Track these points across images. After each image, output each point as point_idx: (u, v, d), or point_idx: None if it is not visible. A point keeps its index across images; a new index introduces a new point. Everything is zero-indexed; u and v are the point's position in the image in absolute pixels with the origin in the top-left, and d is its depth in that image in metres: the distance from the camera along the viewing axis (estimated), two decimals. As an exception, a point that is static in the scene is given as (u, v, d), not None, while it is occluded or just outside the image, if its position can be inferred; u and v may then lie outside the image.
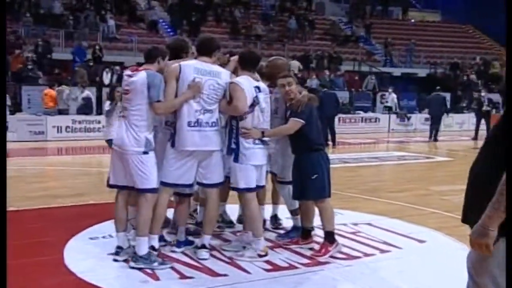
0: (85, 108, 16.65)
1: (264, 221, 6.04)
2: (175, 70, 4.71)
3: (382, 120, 21.22)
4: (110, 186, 4.95)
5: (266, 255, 4.97)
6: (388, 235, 5.90)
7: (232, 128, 4.88)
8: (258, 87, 4.95)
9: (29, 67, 18.16)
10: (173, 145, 4.77)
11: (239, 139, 4.83)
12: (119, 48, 23.21)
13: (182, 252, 5.16)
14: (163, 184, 4.78)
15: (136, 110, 4.59)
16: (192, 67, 4.74)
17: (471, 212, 2.56)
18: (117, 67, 19.32)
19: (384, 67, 27.44)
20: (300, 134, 5.02)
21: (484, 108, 18.04)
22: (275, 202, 6.01)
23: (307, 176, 5.02)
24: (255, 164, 4.89)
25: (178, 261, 4.94)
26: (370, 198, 7.89)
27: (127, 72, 4.77)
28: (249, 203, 4.95)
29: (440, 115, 17.93)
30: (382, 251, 5.36)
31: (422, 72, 28.09)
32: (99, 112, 17.14)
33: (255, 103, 4.86)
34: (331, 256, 5.10)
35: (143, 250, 4.73)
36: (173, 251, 5.17)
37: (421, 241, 5.70)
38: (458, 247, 5.54)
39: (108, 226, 5.93)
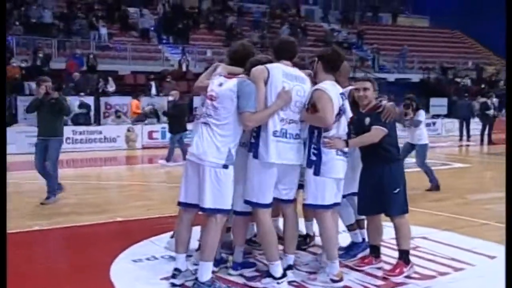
0: (83, 116, 16.12)
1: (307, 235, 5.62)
2: (263, 73, 4.26)
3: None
4: (179, 204, 4.43)
5: (340, 280, 4.49)
6: (451, 250, 5.50)
7: (313, 137, 4.39)
8: (343, 94, 4.49)
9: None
10: (256, 156, 4.28)
11: (320, 150, 4.35)
12: (112, 56, 22.65)
13: (241, 275, 4.67)
14: (259, 206, 4.33)
15: (222, 118, 4.19)
16: (281, 71, 4.31)
17: None
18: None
19: (378, 72, 27.20)
20: (382, 144, 4.60)
21: (490, 113, 17.87)
22: None
23: (390, 190, 4.59)
24: (336, 177, 4.40)
25: (240, 285, 4.49)
26: (410, 209, 7.43)
27: (220, 78, 4.34)
28: (324, 221, 4.47)
29: (468, 119, 18.78)
30: (456, 269, 4.95)
31: (415, 78, 27.92)
32: (99, 122, 16.69)
33: (341, 112, 4.39)
34: (405, 276, 4.67)
35: (206, 276, 4.26)
36: (229, 274, 4.69)
37: (491, 257, 5.30)
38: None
39: (148, 247, 5.57)
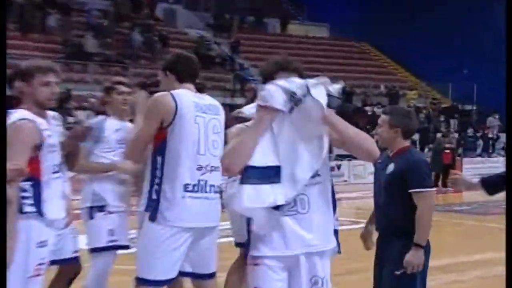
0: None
1: None
2: (168, 105, 3.85)
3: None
4: None
5: None
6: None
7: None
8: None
9: None
10: (154, 218, 3.89)
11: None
12: None
13: None
14: (158, 284, 3.96)
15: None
16: (192, 102, 3.99)
17: None
18: None
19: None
20: None
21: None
22: None
23: None
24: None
25: None
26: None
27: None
28: None
29: None
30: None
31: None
32: None
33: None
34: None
35: None
36: None
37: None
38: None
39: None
